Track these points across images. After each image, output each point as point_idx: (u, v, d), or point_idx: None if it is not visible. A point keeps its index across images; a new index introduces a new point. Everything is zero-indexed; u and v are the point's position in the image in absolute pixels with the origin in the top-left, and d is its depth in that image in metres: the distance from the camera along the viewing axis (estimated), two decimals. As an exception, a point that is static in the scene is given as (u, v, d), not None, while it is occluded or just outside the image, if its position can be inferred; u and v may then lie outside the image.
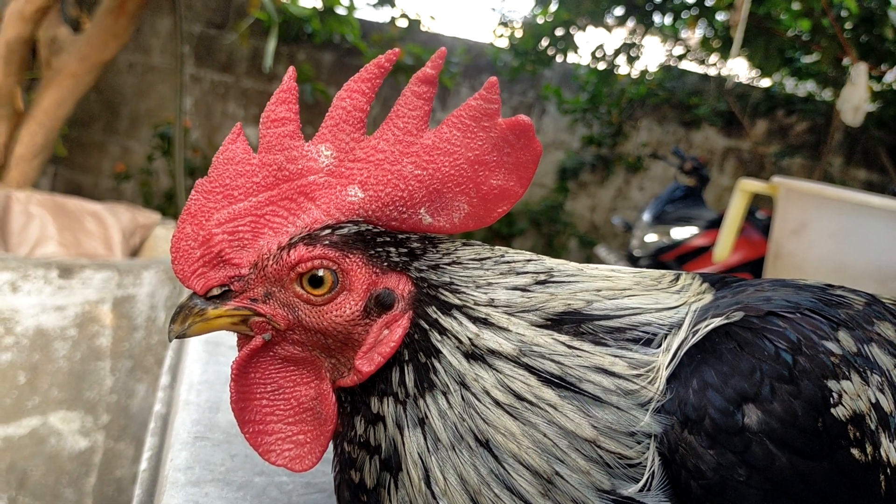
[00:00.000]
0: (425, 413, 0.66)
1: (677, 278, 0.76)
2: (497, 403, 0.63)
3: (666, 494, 0.61)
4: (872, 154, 6.72)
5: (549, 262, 0.74)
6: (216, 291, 0.71)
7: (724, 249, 2.05)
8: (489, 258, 0.72)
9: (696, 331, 0.65)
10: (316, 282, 0.70)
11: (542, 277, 0.70)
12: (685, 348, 0.64)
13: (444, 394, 0.65)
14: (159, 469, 1.08)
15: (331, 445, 0.75)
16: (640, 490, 0.60)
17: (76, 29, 3.82)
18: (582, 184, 7.21)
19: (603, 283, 0.71)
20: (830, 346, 0.64)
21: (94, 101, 6.42)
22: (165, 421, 1.27)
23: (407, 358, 0.68)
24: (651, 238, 4.96)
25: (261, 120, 0.74)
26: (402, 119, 0.73)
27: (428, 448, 0.65)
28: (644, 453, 0.61)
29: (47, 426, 2.48)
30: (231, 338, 0.76)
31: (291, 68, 0.76)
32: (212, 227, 0.71)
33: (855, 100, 3.87)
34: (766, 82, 7.00)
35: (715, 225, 4.75)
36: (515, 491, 0.62)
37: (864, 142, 6.68)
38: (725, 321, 0.65)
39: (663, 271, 0.77)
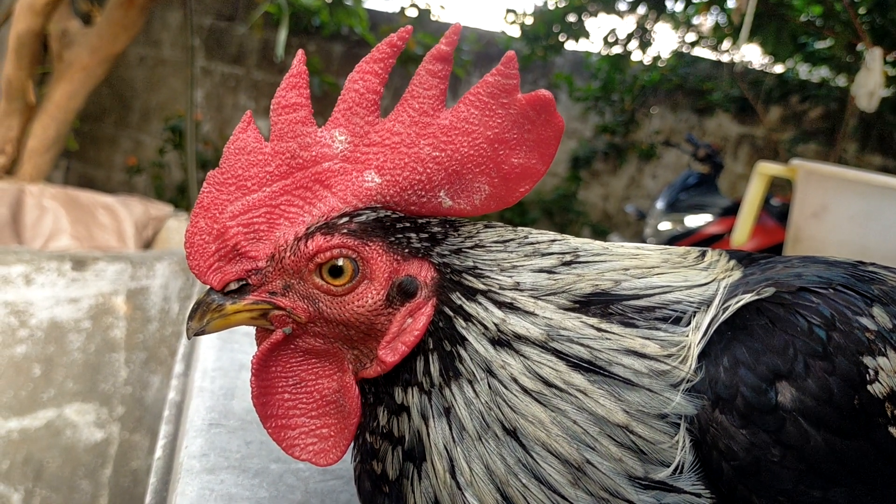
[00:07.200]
0: (451, 402, 0.64)
1: (703, 255, 0.74)
2: (525, 391, 0.62)
3: (699, 477, 0.59)
4: (888, 139, 6.64)
5: (574, 241, 0.72)
6: (233, 286, 0.69)
7: (743, 234, 2.02)
8: (513, 240, 0.70)
9: (727, 307, 0.63)
10: (336, 272, 0.68)
11: (568, 258, 0.68)
12: (715, 325, 0.62)
13: (470, 382, 0.64)
14: (174, 457, 1.08)
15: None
16: (672, 473, 0.59)
17: (87, 22, 3.82)
18: (594, 172, 7.17)
19: (630, 261, 0.69)
20: (865, 321, 0.62)
21: (105, 94, 6.43)
22: (180, 409, 1.26)
23: (431, 346, 0.66)
24: (665, 226, 4.93)
25: (271, 106, 0.71)
26: (417, 99, 0.70)
27: (453, 438, 0.63)
28: (675, 435, 0.59)
29: (63, 418, 2.49)
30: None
31: (301, 52, 0.73)
32: (226, 219, 0.69)
33: (870, 85, 3.84)
34: (779, 68, 6.93)
35: (729, 212, 4.71)
36: (544, 480, 0.60)
37: (879, 127, 6.60)
38: (756, 297, 0.63)
39: (688, 248, 0.75)
